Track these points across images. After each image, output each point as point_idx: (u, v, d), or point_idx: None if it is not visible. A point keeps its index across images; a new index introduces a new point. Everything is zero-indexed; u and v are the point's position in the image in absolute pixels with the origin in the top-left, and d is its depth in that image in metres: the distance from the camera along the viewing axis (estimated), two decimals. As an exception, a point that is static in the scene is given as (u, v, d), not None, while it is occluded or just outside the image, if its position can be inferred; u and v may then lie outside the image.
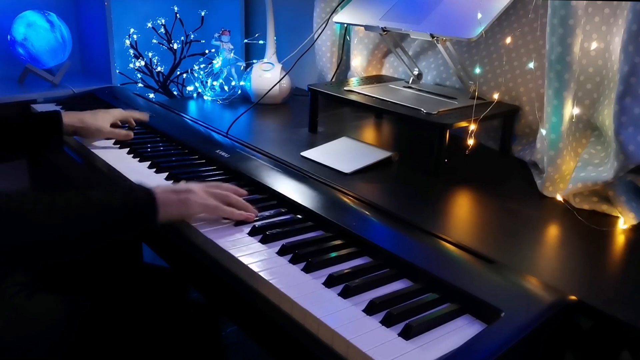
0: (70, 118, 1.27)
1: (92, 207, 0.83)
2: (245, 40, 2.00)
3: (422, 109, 1.19)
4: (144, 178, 1.09)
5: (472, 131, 1.15)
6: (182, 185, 0.95)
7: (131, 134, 1.32)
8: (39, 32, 1.76)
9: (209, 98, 1.72)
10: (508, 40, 1.28)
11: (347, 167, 1.15)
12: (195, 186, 0.94)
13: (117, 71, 1.81)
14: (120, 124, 1.36)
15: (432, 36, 1.20)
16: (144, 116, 1.41)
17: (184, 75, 1.78)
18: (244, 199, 0.96)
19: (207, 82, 1.72)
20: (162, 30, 1.75)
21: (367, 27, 1.36)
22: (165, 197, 0.88)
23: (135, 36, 1.75)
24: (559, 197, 1.06)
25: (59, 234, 0.80)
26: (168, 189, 0.91)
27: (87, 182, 1.26)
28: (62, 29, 1.81)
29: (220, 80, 1.71)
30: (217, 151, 1.22)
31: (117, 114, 1.35)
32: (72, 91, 1.75)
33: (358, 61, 1.66)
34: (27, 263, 0.90)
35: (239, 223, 0.93)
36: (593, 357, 0.73)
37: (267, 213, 0.97)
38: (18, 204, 0.78)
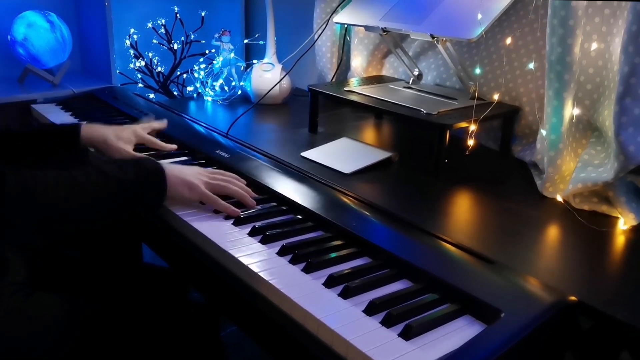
0: (91, 133, 1.19)
1: (107, 186, 0.92)
2: (246, 41, 2.00)
3: (422, 110, 1.19)
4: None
5: (472, 131, 1.15)
6: (187, 169, 1.01)
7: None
8: (39, 32, 1.75)
9: (209, 98, 1.72)
10: (508, 40, 1.28)
11: (347, 167, 1.15)
12: (199, 173, 1.00)
13: (117, 71, 1.81)
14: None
15: (432, 36, 1.20)
16: (162, 125, 1.34)
17: (184, 75, 1.78)
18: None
19: (207, 83, 1.72)
20: (162, 30, 1.75)
21: (367, 28, 1.36)
22: (173, 178, 0.97)
23: (135, 36, 1.75)
24: (559, 198, 1.06)
25: (76, 211, 0.89)
26: (175, 170, 0.98)
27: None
28: (62, 29, 1.81)
29: (221, 81, 1.71)
30: (218, 151, 1.22)
31: (140, 135, 1.25)
32: (72, 91, 1.74)
33: (358, 61, 1.66)
34: (46, 236, 0.99)
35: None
36: (593, 357, 0.73)
37: (260, 207, 1.01)
38: (37, 183, 0.85)
